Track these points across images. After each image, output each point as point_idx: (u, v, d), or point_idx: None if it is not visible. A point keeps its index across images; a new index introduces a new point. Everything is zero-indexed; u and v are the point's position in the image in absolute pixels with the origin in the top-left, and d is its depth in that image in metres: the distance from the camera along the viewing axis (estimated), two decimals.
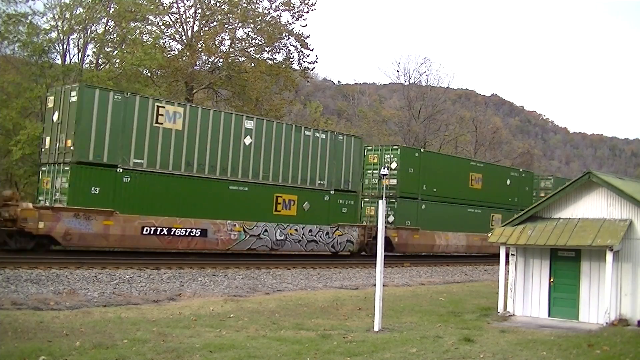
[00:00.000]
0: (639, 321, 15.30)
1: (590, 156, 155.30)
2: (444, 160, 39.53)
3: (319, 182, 30.17)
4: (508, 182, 41.29)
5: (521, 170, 45.09)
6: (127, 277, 20.02)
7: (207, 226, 25.81)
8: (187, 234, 25.18)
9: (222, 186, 26.49)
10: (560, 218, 16.67)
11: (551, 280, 16.47)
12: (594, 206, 16.37)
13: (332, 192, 30.57)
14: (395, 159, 34.43)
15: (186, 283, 20.32)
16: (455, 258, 39.72)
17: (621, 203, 15.89)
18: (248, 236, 27.12)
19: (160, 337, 11.46)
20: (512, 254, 16.93)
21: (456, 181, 37.68)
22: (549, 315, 16.38)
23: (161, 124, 24.78)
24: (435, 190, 35.80)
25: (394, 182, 34.15)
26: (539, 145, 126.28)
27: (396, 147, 35.52)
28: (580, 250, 16.03)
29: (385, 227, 31.00)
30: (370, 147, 35.83)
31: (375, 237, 32.02)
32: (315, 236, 29.65)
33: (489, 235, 17.62)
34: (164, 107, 25.05)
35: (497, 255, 17.41)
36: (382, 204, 14.39)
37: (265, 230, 27.73)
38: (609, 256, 15.14)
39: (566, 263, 16.32)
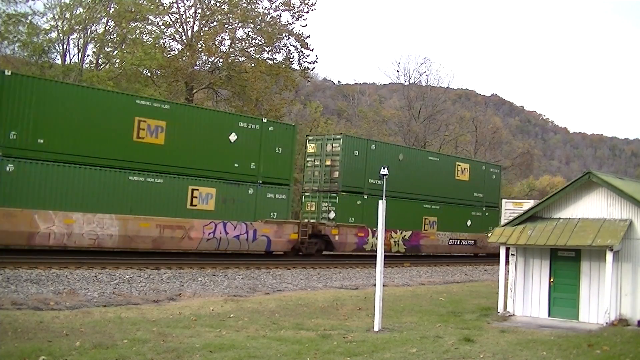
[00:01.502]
0: (639, 321, 15.32)
1: (590, 156, 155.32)
2: (65, 91, 23.53)
3: None
4: (233, 137, 27.22)
5: (266, 120, 29.58)
6: (127, 277, 20.04)
7: None
8: None
9: None
10: (560, 218, 16.68)
11: (551, 280, 16.48)
12: (594, 206, 16.38)
13: None
14: None
15: (186, 283, 20.33)
16: (456, 258, 39.57)
17: (621, 203, 15.91)
18: None
19: (160, 337, 11.47)
20: (512, 254, 16.95)
21: (101, 129, 23.74)
22: (549, 315, 16.39)
23: None
24: (37, 141, 22.12)
25: None
26: (539, 145, 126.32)
27: None
28: (580, 250, 16.05)
29: None
30: None
31: None
32: None
33: (488, 235, 17.62)
34: None
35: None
36: (382, 204, 14.38)
37: None
38: (609, 256, 15.15)
39: (566, 263, 16.34)
